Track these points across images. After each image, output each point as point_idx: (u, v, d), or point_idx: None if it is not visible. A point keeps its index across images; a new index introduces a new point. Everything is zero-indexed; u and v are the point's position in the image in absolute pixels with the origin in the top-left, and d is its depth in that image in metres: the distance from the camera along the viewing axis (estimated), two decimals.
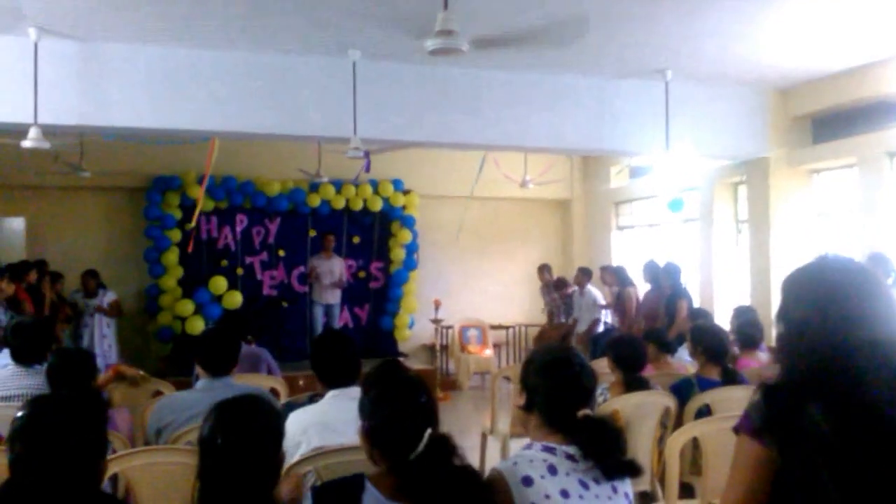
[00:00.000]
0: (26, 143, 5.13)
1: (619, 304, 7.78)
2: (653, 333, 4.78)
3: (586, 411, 1.95)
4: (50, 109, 5.25)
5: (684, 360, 4.67)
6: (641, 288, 7.78)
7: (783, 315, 1.65)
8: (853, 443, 1.45)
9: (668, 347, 4.61)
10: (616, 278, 8.03)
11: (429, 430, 1.76)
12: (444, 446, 1.78)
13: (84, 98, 5.47)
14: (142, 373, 4.19)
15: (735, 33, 5.34)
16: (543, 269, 9.36)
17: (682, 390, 3.90)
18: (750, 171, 7.34)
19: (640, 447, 3.73)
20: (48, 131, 5.26)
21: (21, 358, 3.55)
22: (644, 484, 3.77)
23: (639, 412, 3.76)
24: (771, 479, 1.54)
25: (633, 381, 3.85)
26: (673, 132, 6.33)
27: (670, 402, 3.80)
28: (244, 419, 1.73)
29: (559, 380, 2.00)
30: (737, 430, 1.60)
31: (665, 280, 7.01)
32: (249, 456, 1.67)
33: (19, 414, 1.72)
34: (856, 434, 1.45)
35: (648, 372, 4.13)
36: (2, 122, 5.41)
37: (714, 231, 8.01)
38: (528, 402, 2.03)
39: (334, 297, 9.19)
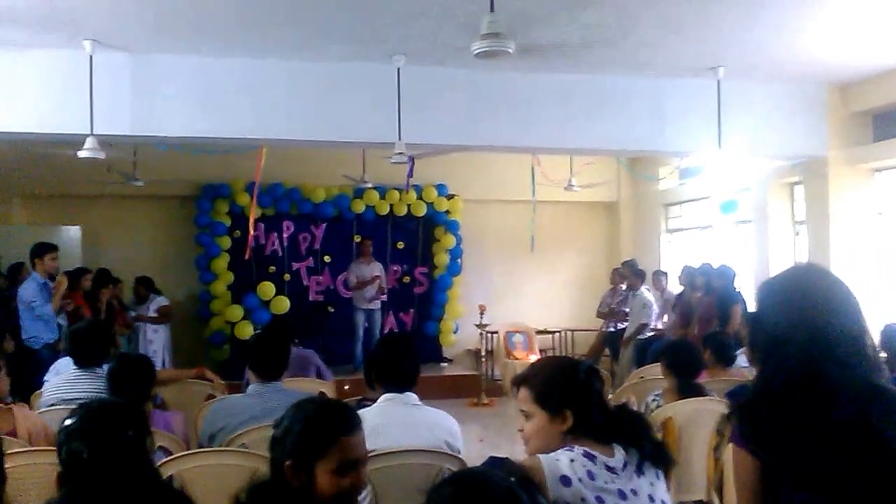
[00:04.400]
0: (83, 153, 5.29)
1: (683, 307, 7.56)
2: (713, 339, 4.54)
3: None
4: (105, 120, 5.40)
5: (740, 366, 4.52)
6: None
7: (759, 320, 1.72)
8: (826, 452, 1.54)
9: (728, 358, 4.35)
10: (682, 280, 7.81)
11: None
12: None
13: (136, 108, 5.62)
14: (221, 381, 4.27)
15: (790, 28, 5.17)
16: (615, 272, 9.25)
17: (739, 396, 3.75)
18: (807, 170, 7.11)
19: (696, 456, 3.63)
20: (103, 141, 5.42)
21: (81, 361, 3.64)
22: (700, 493, 3.68)
23: (694, 420, 3.67)
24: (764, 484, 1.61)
25: (687, 388, 3.74)
26: (726, 131, 6.18)
27: (726, 409, 3.68)
28: None
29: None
30: (730, 442, 1.70)
31: (717, 283, 6.81)
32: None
33: (67, 422, 1.76)
34: (827, 443, 1.54)
35: (703, 378, 4.00)
36: (60, 132, 5.60)
37: (770, 233, 7.78)
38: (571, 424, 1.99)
39: (375, 302, 9.24)
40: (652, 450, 1.93)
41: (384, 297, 9.33)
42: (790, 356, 1.61)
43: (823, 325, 1.62)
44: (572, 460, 1.86)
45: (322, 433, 1.74)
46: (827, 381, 1.57)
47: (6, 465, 1.88)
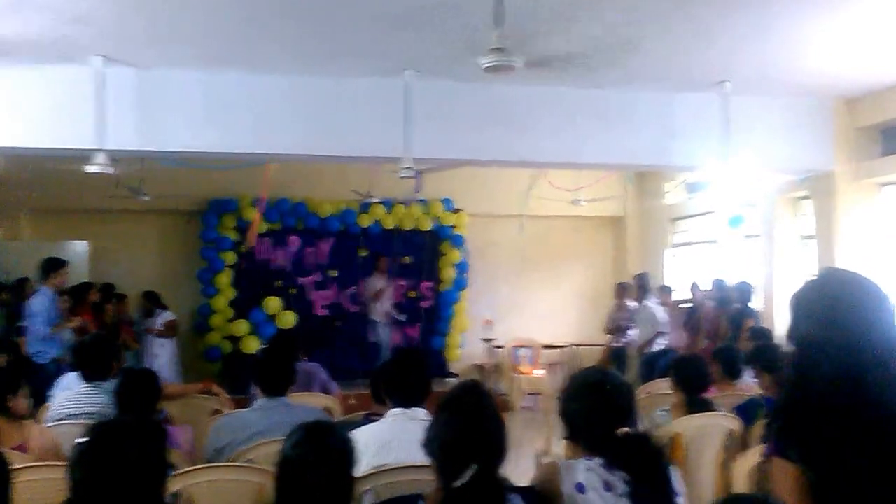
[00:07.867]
0: (91, 168, 5.31)
1: (692, 321, 7.52)
2: (722, 353, 4.51)
3: (625, 429, 1.96)
4: (113, 135, 5.42)
5: (749, 381, 4.49)
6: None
7: (793, 333, 1.71)
8: (865, 451, 1.53)
9: (736, 372, 4.34)
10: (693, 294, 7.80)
11: (474, 465, 1.76)
12: (493, 480, 1.79)
13: (144, 123, 5.65)
14: (227, 396, 4.27)
15: (798, 42, 5.16)
16: (619, 287, 9.23)
17: (748, 411, 3.77)
18: (814, 184, 7.08)
19: (704, 471, 3.60)
20: (111, 156, 5.43)
21: (85, 376, 3.64)
22: None
23: (702, 435, 3.65)
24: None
25: (695, 403, 3.72)
26: (733, 146, 6.15)
27: (735, 424, 3.67)
28: (323, 440, 1.86)
29: (593, 402, 2.02)
30: (768, 456, 1.65)
31: (736, 298, 6.79)
32: (327, 475, 1.79)
33: (81, 440, 1.75)
34: (868, 443, 1.54)
35: (711, 393, 3.98)
36: (68, 147, 5.62)
37: (776, 248, 7.75)
38: (570, 431, 2.06)
39: (384, 316, 9.54)
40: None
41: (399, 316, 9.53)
42: (826, 360, 1.59)
43: (857, 327, 1.61)
44: (588, 469, 1.90)
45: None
46: (865, 382, 1.56)
47: (15, 480, 1.87)
